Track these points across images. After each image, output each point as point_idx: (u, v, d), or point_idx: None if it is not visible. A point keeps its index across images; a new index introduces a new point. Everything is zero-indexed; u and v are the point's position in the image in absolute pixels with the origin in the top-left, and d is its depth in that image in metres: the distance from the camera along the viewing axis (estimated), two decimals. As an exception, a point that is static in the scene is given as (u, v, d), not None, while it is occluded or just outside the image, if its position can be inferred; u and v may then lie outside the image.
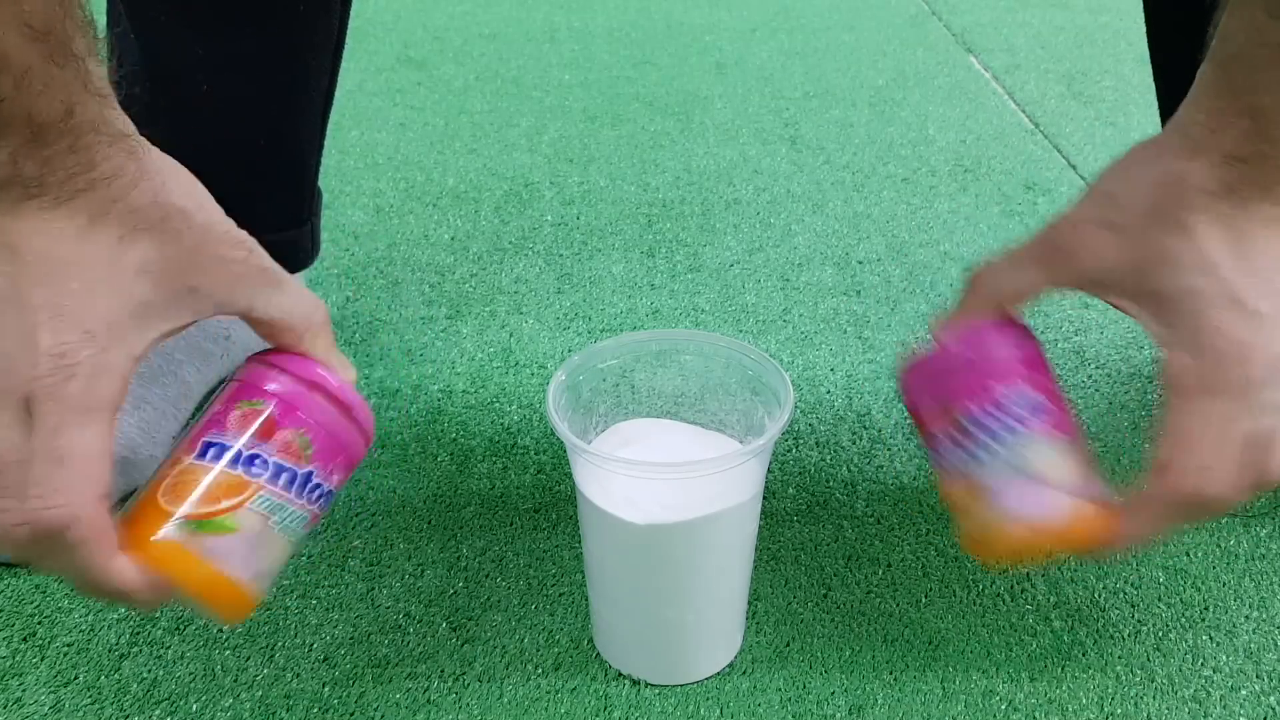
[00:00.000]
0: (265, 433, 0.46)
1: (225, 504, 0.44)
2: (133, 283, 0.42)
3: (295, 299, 0.47)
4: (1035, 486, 0.51)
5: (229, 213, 0.79)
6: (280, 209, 0.82)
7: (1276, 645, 0.62)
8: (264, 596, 0.47)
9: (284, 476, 0.46)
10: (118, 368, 0.41)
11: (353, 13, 0.81)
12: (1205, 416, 0.46)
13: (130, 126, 0.43)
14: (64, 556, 0.41)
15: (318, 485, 0.47)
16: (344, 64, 0.83)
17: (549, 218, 1.11)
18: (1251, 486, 0.47)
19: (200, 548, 0.44)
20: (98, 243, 0.41)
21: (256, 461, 0.45)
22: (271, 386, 0.47)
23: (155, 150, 0.44)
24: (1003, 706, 0.58)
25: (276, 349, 0.48)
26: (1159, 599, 0.65)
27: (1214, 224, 0.46)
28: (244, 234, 0.45)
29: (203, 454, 0.45)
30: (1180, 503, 0.47)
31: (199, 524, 0.44)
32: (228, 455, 0.45)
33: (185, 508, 0.44)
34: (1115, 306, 0.50)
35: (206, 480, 0.44)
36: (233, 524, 0.44)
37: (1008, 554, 0.52)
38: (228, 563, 0.44)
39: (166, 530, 0.43)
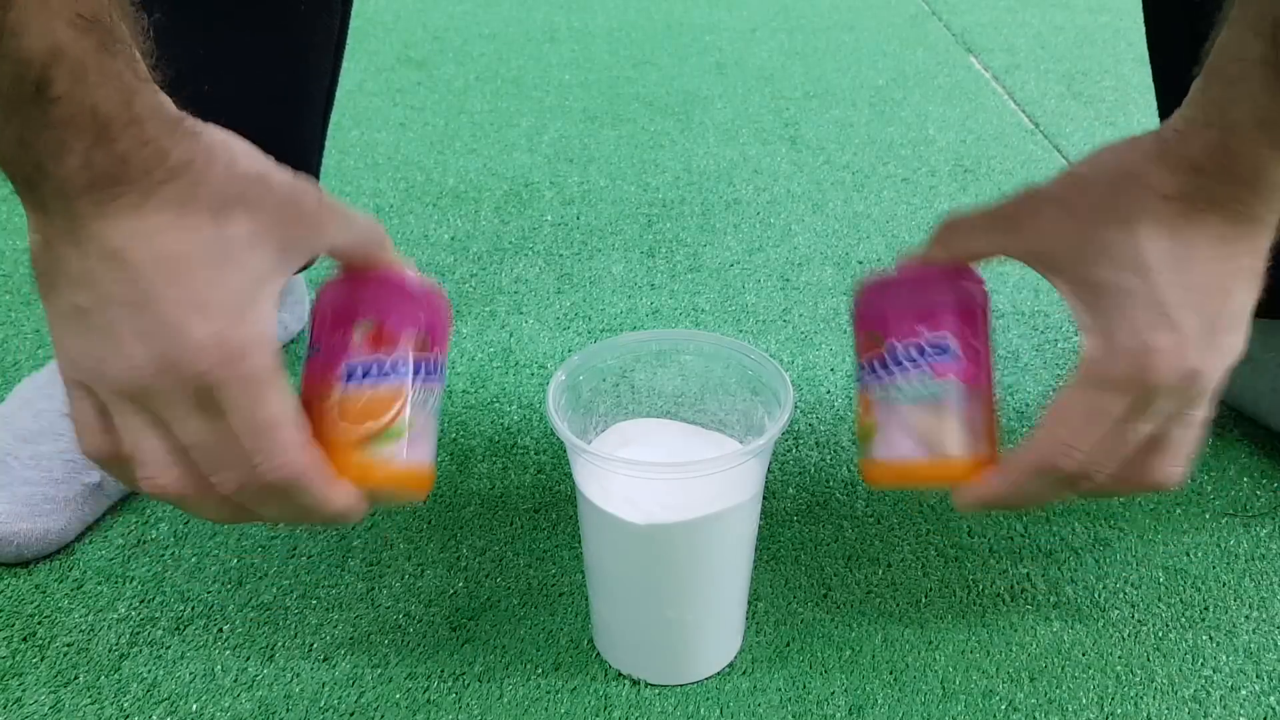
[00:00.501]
0: (391, 341, 0.51)
1: (393, 411, 0.50)
2: (246, 256, 0.43)
3: (364, 224, 0.50)
4: (912, 428, 0.54)
5: None
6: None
7: (1276, 645, 0.62)
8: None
9: (422, 370, 0.52)
10: (270, 335, 0.44)
11: (353, 12, 0.81)
12: (1088, 401, 0.48)
13: (176, 108, 0.43)
14: (295, 498, 0.45)
15: (438, 363, 0.53)
16: (344, 64, 0.83)
17: (549, 218, 1.11)
18: (1130, 484, 0.51)
19: (391, 454, 0.50)
20: (198, 230, 0.41)
21: (400, 365, 0.51)
22: (374, 303, 0.52)
23: (209, 125, 0.44)
24: (1003, 706, 0.58)
25: (349, 270, 0.52)
26: (1159, 599, 0.65)
27: (1160, 228, 0.46)
28: (309, 180, 0.47)
29: (350, 377, 0.50)
30: (1037, 470, 0.50)
31: (382, 436, 0.50)
32: (375, 370, 0.50)
33: (369, 425, 0.50)
34: (1053, 285, 0.51)
35: (369, 396, 0.50)
36: (404, 426, 0.50)
37: (882, 481, 0.56)
38: (413, 456, 0.51)
39: (365, 450, 0.49)
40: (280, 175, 0.45)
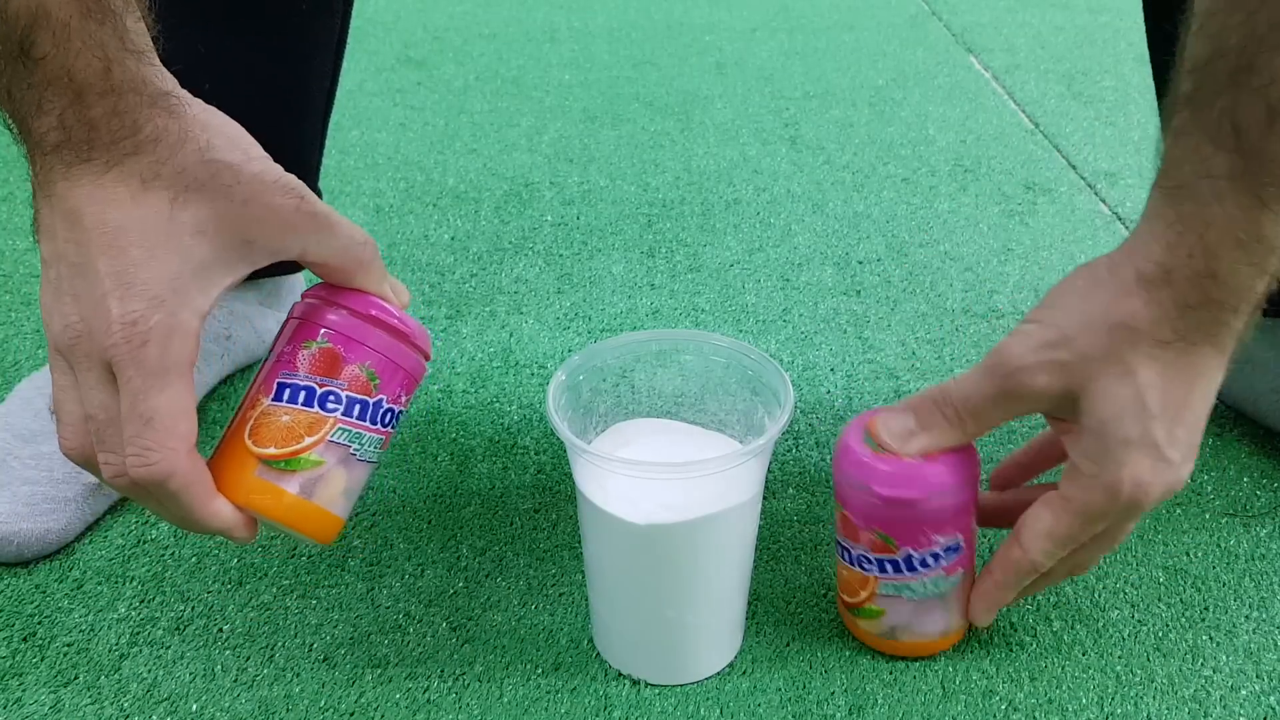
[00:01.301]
0: (334, 370, 0.48)
1: (307, 441, 0.48)
2: (191, 244, 0.42)
3: (345, 240, 0.48)
4: (921, 619, 0.59)
5: None
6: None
7: (1276, 645, 0.62)
8: (349, 517, 0.51)
9: (357, 408, 0.48)
10: (188, 328, 0.43)
11: (353, 13, 0.81)
12: (1072, 527, 0.51)
13: (171, 82, 0.43)
14: (166, 503, 0.44)
15: (389, 410, 0.50)
16: (344, 64, 0.83)
17: (549, 218, 1.11)
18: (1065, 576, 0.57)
19: (289, 484, 0.48)
20: (151, 207, 0.42)
21: (330, 398, 0.48)
22: (334, 325, 0.49)
23: (198, 104, 0.44)
24: (1003, 706, 0.58)
25: (332, 285, 0.50)
26: (1159, 599, 0.65)
27: (1159, 373, 0.48)
28: (293, 180, 0.46)
29: (279, 395, 0.48)
30: (1013, 584, 0.55)
31: (286, 463, 0.47)
32: (303, 395, 0.48)
33: (270, 449, 0.47)
34: (1049, 422, 0.53)
35: (286, 420, 0.47)
36: (316, 459, 0.48)
37: (876, 648, 0.62)
38: (315, 494, 0.48)
39: (257, 472, 0.47)
40: (255, 168, 0.45)
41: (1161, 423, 0.48)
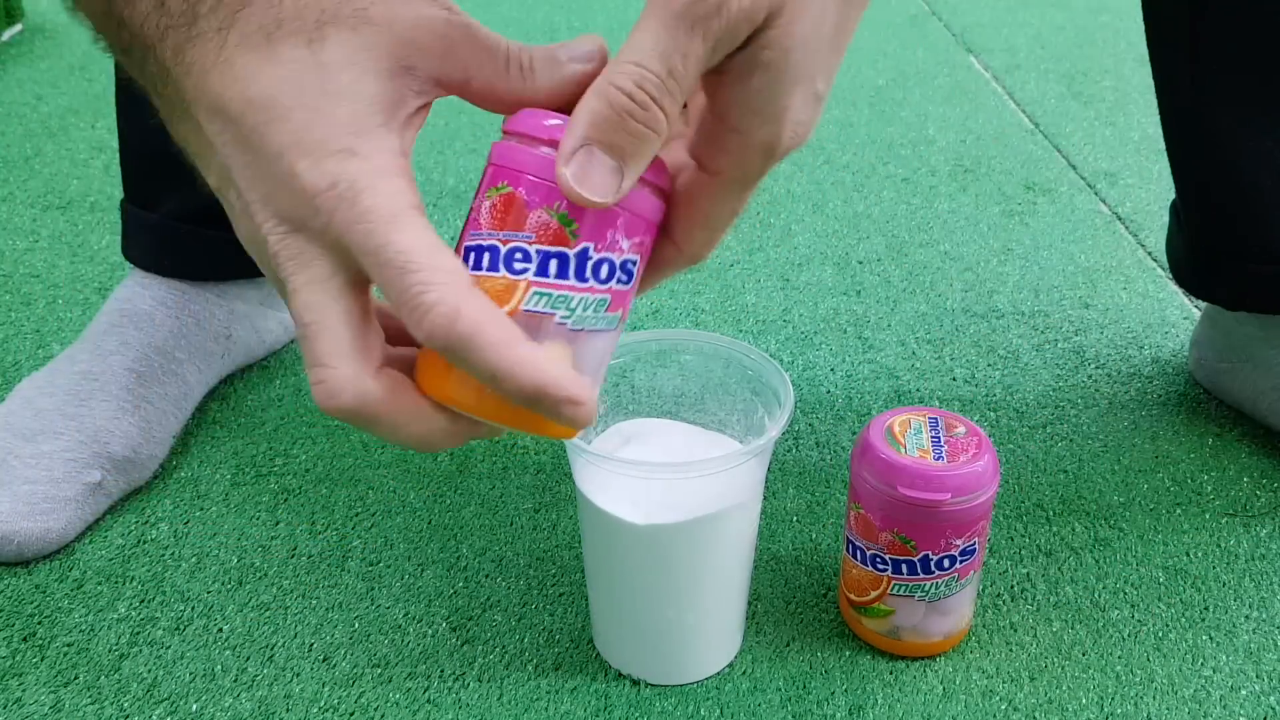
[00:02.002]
0: (517, 220, 0.37)
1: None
2: (351, 83, 0.36)
3: (503, 52, 0.39)
4: (934, 620, 0.60)
5: None
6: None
7: (1276, 645, 0.62)
8: (595, 396, 0.39)
9: (553, 264, 0.38)
10: (395, 168, 0.36)
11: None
12: (735, 201, 0.40)
13: None
14: (464, 356, 0.35)
15: (602, 261, 0.38)
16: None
17: (549, 218, 1.11)
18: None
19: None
20: (289, 60, 0.35)
21: (517, 256, 0.37)
22: (511, 162, 0.38)
23: None
24: (1003, 706, 0.58)
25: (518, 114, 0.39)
26: (1159, 599, 0.65)
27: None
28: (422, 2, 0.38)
29: (469, 260, 0.38)
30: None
31: None
32: (487, 257, 0.38)
33: None
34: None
35: (485, 290, 0.37)
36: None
37: (876, 646, 0.62)
38: None
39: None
40: None
41: (830, 55, 0.38)
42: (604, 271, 0.39)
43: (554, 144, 0.37)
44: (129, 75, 0.40)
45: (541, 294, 0.37)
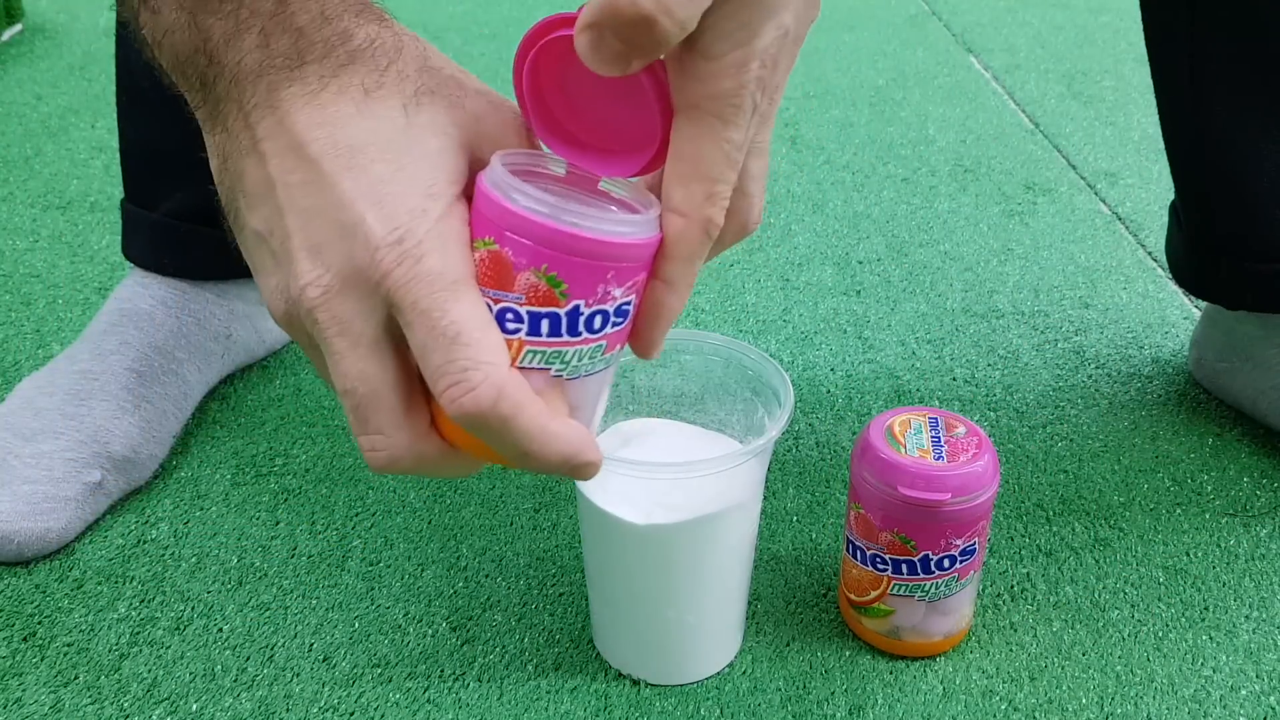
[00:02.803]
0: (506, 280, 0.37)
1: None
2: (436, 147, 0.37)
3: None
4: (934, 619, 0.60)
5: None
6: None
7: (1276, 645, 0.62)
8: (597, 429, 0.41)
9: (544, 324, 0.37)
10: (460, 237, 0.36)
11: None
12: (733, 143, 0.38)
13: None
14: (499, 433, 0.36)
15: (595, 314, 0.38)
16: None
17: (549, 218, 1.11)
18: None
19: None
20: (383, 116, 0.36)
21: (508, 317, 0.37)
22: (494, 215, 0.37)
23: (399, 23, 0.39)
24: (1003, 706, 0.58)
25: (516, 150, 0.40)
26: (1159, 599, 0.65)
27: None
28: (507, 102, 0.40)
29: None
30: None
31: None
32: None
33: None
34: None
35: None
36: None
37: (875, 646, 0.62)
38: None
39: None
40: (476, 84, 0.39)
41: None
42: (597, 323, 0.38)
43: (533, 198, 0.36)
44: (192, 107, 0.40)
45: (535, 352, 0.37)
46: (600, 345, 0.39)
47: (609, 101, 0.38)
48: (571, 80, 0.38)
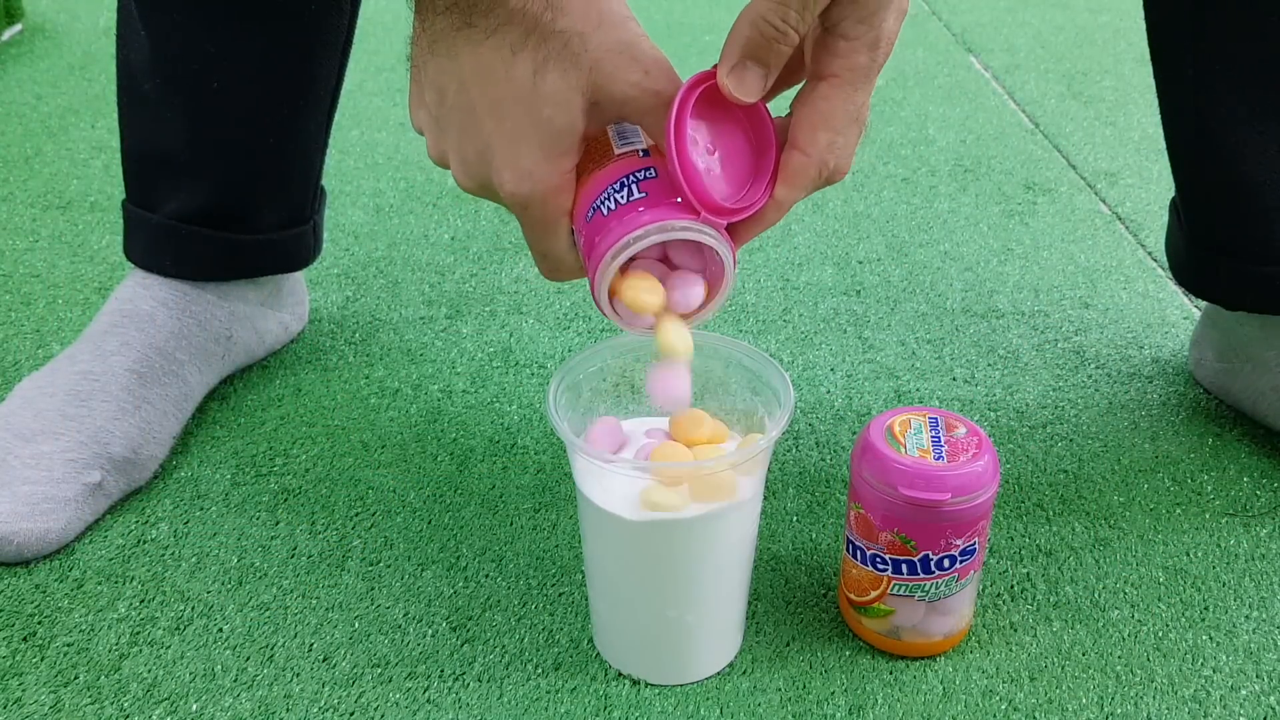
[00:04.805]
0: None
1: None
2: (550, 115, 0.47)
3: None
4: (934, 619, 0.60)
5: (235, 210, 0.79)
6: (286, 207, 0.82)
7: (1276, 645, 0.62)
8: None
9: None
10: (556, 187, 0.49)
11: (353, 12, 0.81)
12: (847, 104, 0.48)
13: None
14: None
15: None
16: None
17: (549, 218, 1.11)
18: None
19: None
20: (519, 80, 0.47)
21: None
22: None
23: None
24: (1003, 706, 0.58)
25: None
26: (1159, 599, 0.65)
27: None
28: (648, 54, 0.48)
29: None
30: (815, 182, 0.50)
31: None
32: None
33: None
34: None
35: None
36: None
37: (876, 646, 0.62)
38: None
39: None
40: (606, 36, 0.47)
41: None
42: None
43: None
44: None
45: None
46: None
47: (732, 142, 0.49)
48: (705, 142, 0.48)
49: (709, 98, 0.47)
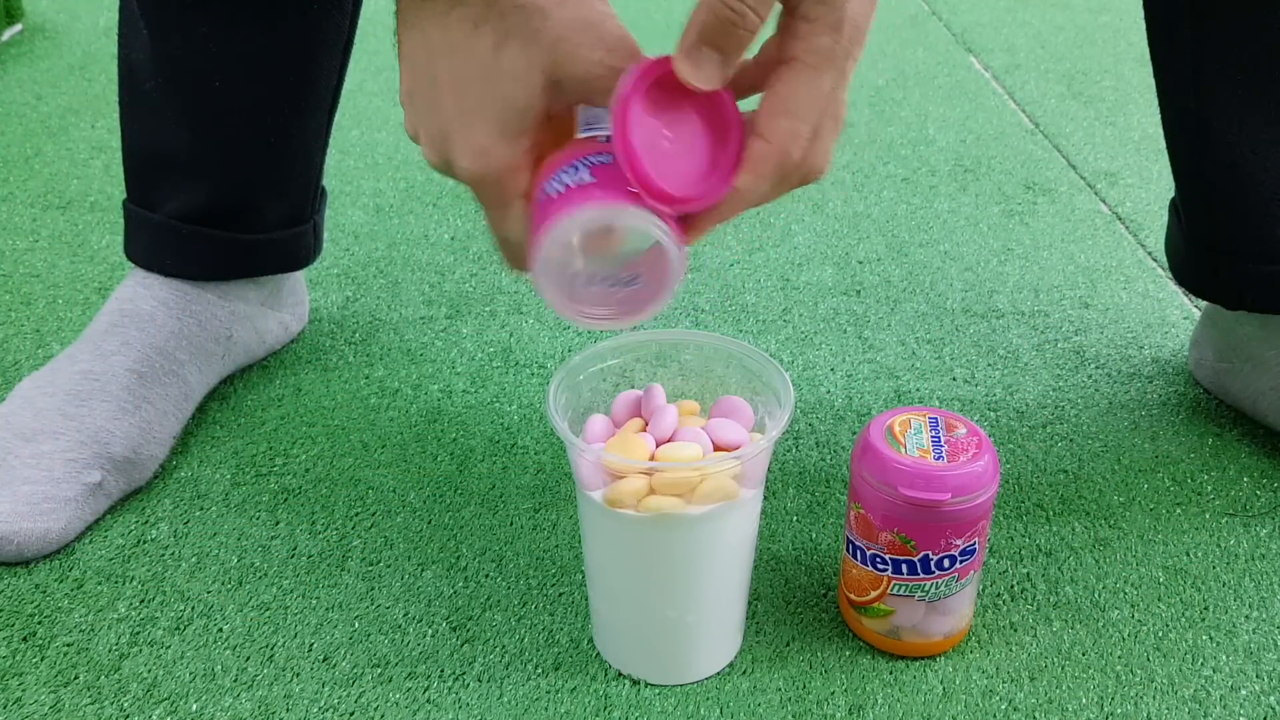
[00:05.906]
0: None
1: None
2: (510, 91, 0.46)
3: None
4: (933, 619, 0.60)
5: (236, 209, 0.79)
6: (287, 206, 0.82)
7: (1276, 645, 0.62)
8: None
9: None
10: (512, 165, 0.48)
11: (353, 12, 0.81)
12: (813, 89, 0.46)
13: None
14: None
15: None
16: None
17: (549, 218, 1.11)
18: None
19: None
20: (480, 54, 0.46)
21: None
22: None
23: None
24: (1003, 706, 0.58)
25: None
26: (1159, 599, 0.65)
27: None
28: (612, 32, 0.47)
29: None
30: (778, 170, 0.47)
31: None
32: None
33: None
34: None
35: None
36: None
37: (873, 645, 0.62)
38: None
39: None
40: (571, 14, 0.46)
41: None
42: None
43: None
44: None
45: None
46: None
47: (692, 131, 0.46)
48: (660, 129, 0.45)
49: (671, 84, 0.45)
